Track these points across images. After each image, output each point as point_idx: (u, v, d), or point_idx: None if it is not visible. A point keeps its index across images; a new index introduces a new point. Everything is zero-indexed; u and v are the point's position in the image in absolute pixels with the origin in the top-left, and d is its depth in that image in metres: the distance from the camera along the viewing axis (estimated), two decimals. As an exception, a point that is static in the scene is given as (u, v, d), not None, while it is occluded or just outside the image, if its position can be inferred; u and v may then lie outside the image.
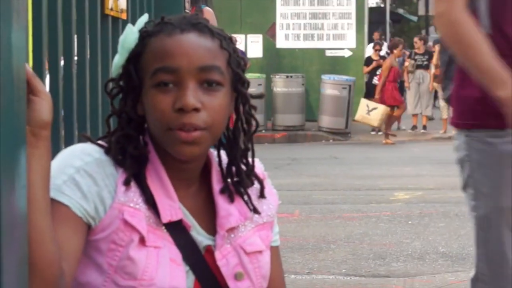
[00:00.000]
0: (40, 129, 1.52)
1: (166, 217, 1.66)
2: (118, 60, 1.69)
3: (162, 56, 1.65)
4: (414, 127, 17.33)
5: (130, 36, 1.68)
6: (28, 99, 1.51)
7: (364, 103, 15.38)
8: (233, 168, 1.75)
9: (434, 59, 16.12)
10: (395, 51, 15.82)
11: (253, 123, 1.75)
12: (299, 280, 5.40)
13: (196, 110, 1.63)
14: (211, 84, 1.65)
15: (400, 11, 32.92)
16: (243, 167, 1.75)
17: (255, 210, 1.75)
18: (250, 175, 1.76)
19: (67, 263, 1.58)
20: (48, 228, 1.53)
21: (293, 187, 9.36)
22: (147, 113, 1.67)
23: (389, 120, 15.54)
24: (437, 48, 15.41)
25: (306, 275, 5.55)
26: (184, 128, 1.62)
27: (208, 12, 5.75)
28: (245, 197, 1.74)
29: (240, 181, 1.74)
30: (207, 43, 1.67)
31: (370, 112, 15.22)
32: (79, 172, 1.63)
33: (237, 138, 1.74)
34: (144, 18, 1.71)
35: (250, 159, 1.76)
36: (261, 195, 1.78)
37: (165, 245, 1.65)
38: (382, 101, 15.32)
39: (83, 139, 1.73)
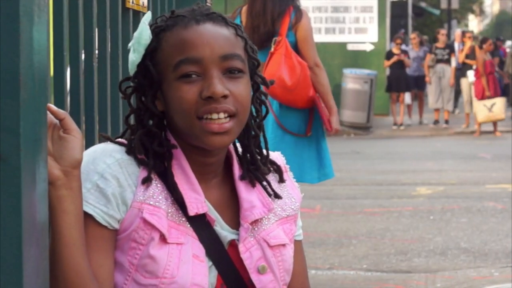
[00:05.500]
0: (73, 168, 1.53)
1: (193, 210, 1.64)
2: (135, 58, 1.68)
3: (182, 48, 1.64)
4: (436, 122, 17.25)
5: (145, 32, 1.67)
6: (60, 137, 1.53)
7: (480, 104, 15.30)
8: (248, 156, 1.74)
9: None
10: (484, 46, 16.03)
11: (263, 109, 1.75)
12: (320, 275, 5.38)
13: (225, 97, 1.62)
14: (233, 72, 1.65)
15: (422, 4, 32.79)
16: (257, 156, 1.75)
17: (276, 195, 1.74)
18: (266, 163, 1.76)
19: None
20: (87, 266, 1.55)
21: (314, 182, 9.32)
22: (171, 106, 1.65)
23: None
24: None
25: (327, 270, 5.53)
26: (214, 112, 1.61)
27: None
28: (264, 183, 1.74)
29: (257, 168, 1.74)
30: (224, 31, 1.67)
31: (491, 109, 15.22)
32: (103, 176, 1.62)
33: (249, 125, 1.73)
34: (147, 16, 1.70)
35: (264, 149, 1.76)
36: (281, 179, 1.77)
37: (188, 241, 1.64)
38: (495, 93, 15.34)
39: (103, 139, 1.73)
